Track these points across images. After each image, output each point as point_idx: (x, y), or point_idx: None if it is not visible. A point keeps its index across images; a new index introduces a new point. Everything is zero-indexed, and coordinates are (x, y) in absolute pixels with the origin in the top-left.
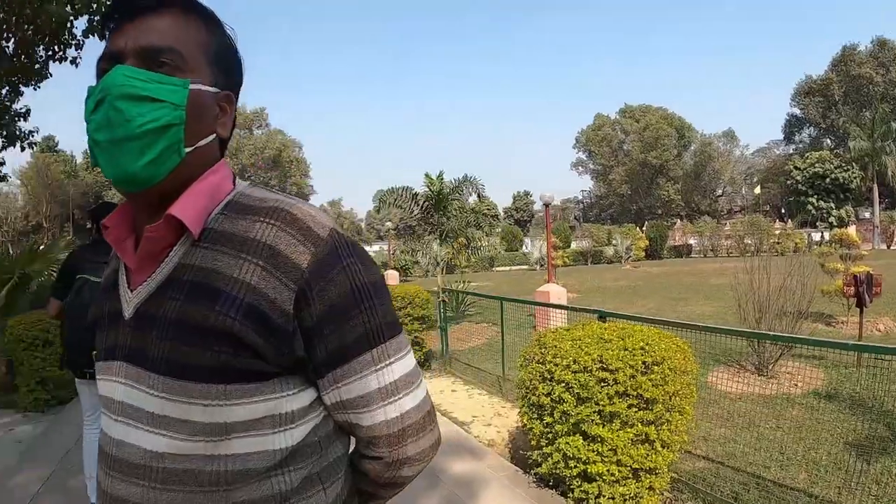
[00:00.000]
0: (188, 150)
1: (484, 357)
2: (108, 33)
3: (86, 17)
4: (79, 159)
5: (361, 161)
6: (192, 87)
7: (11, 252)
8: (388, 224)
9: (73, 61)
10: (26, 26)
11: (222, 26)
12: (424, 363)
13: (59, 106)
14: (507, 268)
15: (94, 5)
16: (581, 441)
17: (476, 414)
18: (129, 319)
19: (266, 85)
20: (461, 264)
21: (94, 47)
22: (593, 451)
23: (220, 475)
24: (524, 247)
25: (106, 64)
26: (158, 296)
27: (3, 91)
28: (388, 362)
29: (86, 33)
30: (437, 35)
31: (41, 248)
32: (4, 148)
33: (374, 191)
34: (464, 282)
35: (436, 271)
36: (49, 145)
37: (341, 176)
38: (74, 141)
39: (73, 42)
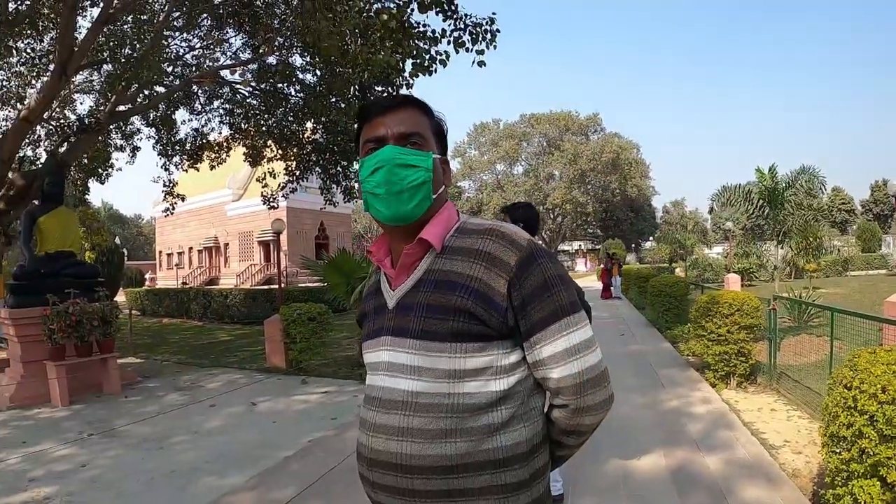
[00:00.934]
0: (434, 196)
1: (817, 376)
2: (365, 122)
3: (409, 60)
4: None
5: (703, 159)
6: (434, 156)
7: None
8: (729, 224)
9: None
10: (364, 73)
11: (434, 113)
12: (749, 376)
13: None
14: (863, 272)
15: (415, 52)
16: (877, 488)
17: (789, 438)
18: (393, 308)
19: (601, 85)
20: (807, 268)
21: (419, 84)
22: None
23: (455, 406)
24: (885, 246)
25: (374, 144)
26: (413, 291)
27: (356, 125)
28: (570, 330)
29: (411, 74)
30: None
31: None
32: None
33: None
34: (809, 288)
35: (774, 276)
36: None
37: (684, 176)
38: None
39: (404, 82)
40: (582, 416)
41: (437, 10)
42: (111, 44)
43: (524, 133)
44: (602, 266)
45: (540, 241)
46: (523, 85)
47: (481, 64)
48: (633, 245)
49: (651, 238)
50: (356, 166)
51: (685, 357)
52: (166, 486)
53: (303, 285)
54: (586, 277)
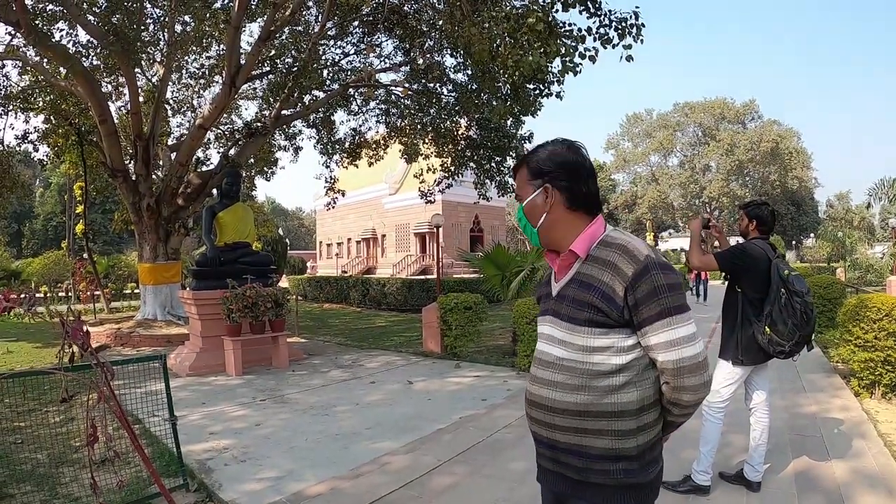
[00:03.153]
0: (535, 228)
1: None
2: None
3: (557, 59)
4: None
5: (873, 147)
6: (523, 205)
7: (529, 247)
8: (893, 221)
9: (558, 95)
10: (515, 73)
11: (531, 161)
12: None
13: (562, 128)
14: None
15: (563, 50)
16: None
17: None
18: (555, 296)
19: (758, 70)
20: None
21: (569, 83)
22: None
23: (586, 371)
24: None
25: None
26: (566, 286)
27: (508, 122)
28: (674, 326)
29: (561, 73)
30: None
31: None
32: None
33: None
34: None
35: None
36: None
37: (850, 166)
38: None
39: (555, 79)
40: (680, 392)
41: (581, 7)
42: (272, 55)
43: (678, 123)
44: None
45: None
46: (673, 73)
47: (629, 59)
48: (793, 242)
49: (812, 235)
50: (510, 162)
51: (834, 363)
52: (331, 445)
53: (458, 276)
54: None
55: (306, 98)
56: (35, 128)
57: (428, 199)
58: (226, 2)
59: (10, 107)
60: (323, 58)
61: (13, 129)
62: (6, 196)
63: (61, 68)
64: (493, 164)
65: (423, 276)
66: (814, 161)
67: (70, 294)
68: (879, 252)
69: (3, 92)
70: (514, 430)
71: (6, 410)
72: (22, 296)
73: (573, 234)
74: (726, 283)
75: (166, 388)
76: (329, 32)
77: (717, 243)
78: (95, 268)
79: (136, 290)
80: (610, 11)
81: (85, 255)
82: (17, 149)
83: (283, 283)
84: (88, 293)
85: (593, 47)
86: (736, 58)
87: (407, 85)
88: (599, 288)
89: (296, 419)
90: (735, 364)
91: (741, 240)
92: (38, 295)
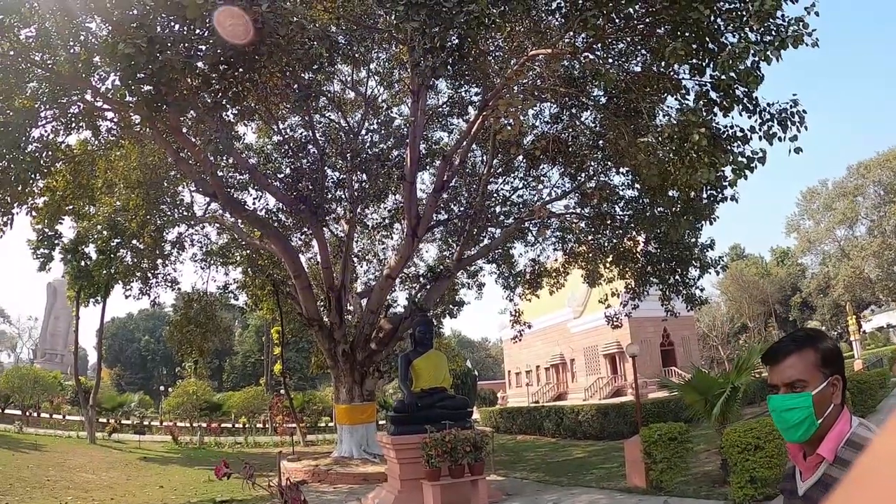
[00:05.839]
0: (818, 422)
1: None
2: (767, 366)
3: (728, 168)
4: (767, 258)
5: None
6: (813, 393)
7: (722, 352)
8: None
9: (733, 198)
10: (688, 189)
11: (821, 344)
12: None
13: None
14: None
15: (731, 158)
16: None
17: None
18: (801, 496)
19: None
20: None
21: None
22: None
23: None
24: None
25: (771, 389)
26: (813, 488)
27: (686, 231)
28: None
29: (733, 179)
30: None
31: (745, 363)
32: (700, 276)
33: None
34: None
35: None
36: (738, 253)
37: None
38: (760, 244)
39: (727, 182)
40: None
41: (741, 108)
42: (446, 200)
43: (856, 187)
44: None
45: None
46: (833, 132)
47: (798, 151)
48: None
49: None
50: (693, 272)
51: None
52: None
53: (653, 396)
54: None
55: (484, 237)
56: (234, 279)
57: (615, 323)
58: (396, 157)
59: (212, 261)
60: (494, 196)
61: (215, 281)
62: (209, 338)
63: (255, 230)
64: (678, 278)
65: (616, 399)
66: None
67: (267, 426)
68: None
69: (205, 249)
70: None
71: None
72: (243, 468)
73: (829, 431)
74: None
75: None
76: (496, 171)
77: None
78: (292, 403)
79: (330, 424)
80: (769, 104)
81: (282, 391)
82: (219, 298)
83: (475, 415)
84: (284, 426)
85: (760, 148)
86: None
87: (579, 210)
88: None
89: None
90: None
91: None
92: (237, 425)
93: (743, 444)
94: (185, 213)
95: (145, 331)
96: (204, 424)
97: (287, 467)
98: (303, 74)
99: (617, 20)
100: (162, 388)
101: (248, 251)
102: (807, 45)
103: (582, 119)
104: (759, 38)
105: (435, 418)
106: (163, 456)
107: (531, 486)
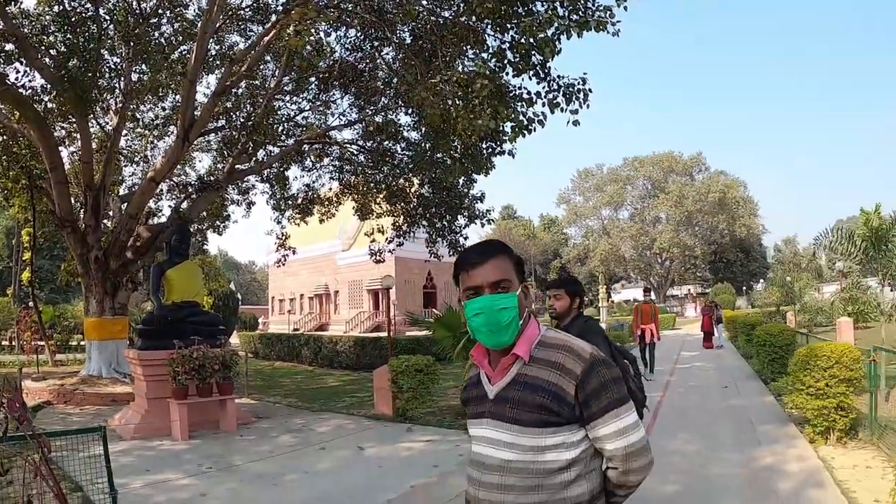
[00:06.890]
0: (521, 323)
1: None
2: (462, 272)
3: (508, 124)
4: (536, 223)
5: (817, 189)
6: (518, 293)
7: None
8: (840, 265)
9: (510, 153)
10: (468, 134)
11: (512, 251)
12: (850, 431)
13: (515, 182)
14: None
15: (513, 115)
16: None
17: (880, 499)
18: (492, 399)
19: (700, 123)
20: None
21: (520, 143)
22: None
23: (538, 470)
24: None
25: (472, 292)
26: (507, 388)
27: (461, 181)
28: (621, 416)
29: (513, 134)
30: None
31: None
32: (467, 226)
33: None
34: None
35: (885, 319)
36: (509, 213)
37: (795, 210)
38: (531, 208)
39: (506, 137)
40: (628, 475)
41: (532, 73)
42: (228, 108)
43: (628, 177)
44: (704, 315)
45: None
46: (624, 128)
47: (576, 123)
48: (744, 288)
49: (762, 280)
50: (461, 220)
51: (788, 410)
52: None
53: (410, 334)
54: (696, 323)
55: (260, 153)
56: None
57: (378, 258)
58: (184, 53)
59: None
60: (278, 113)
61: None
62: None
63: (15, 111)
64: (445, 223)
65: (376, 334)
66: (760, 208)
67: (14, 343)
68: (828, 293)
69: None
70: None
71: None
72: None
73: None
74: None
75: (107, 463)
76: (285, 88)
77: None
78: (41, 317)
79: (83, 343)
80: (559, 76)
81: (30, 304)
82: None
83: (234, 339)
84: (32, 343)
85: (542, 112)
86: (682, 113)
87: (361, 143)
88: (549, 389)
89: (243, 490)
90: None
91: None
92: None
93: None
94: None
95: None
96: None
97: (30, 387)
98: None
99: None
100: None
101: (3, 136)
102: (609, 32)
103: (382, 54)
104: (566, 13)
105: (185, 333)
106: None
107: (283, 409)
